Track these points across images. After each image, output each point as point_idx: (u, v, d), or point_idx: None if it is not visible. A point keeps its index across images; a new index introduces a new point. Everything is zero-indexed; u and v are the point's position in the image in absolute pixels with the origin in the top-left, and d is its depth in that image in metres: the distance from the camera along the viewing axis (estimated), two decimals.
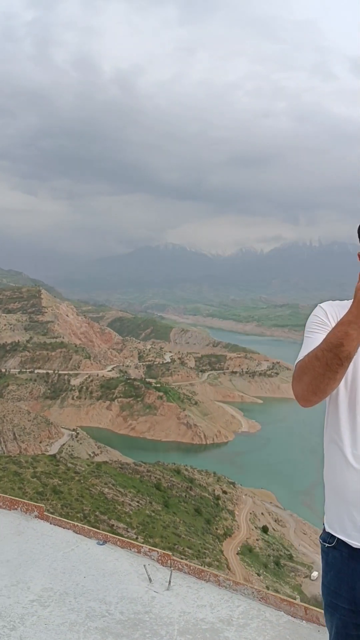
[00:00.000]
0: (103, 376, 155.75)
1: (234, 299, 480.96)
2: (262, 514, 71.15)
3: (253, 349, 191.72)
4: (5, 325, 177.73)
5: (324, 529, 1.96)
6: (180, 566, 3.92)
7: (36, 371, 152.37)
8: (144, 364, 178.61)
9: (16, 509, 4.75)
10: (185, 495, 66.70)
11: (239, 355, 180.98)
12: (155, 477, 71.85)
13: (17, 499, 4.85)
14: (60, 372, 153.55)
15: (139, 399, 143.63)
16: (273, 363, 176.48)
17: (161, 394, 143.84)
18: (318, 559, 61.67)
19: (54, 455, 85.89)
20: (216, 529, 59.89)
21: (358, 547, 1.82)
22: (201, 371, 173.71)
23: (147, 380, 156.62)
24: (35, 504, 4.83)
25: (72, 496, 57.67)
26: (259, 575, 50.66)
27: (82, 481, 68.44)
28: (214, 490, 72.49)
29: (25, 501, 4.83)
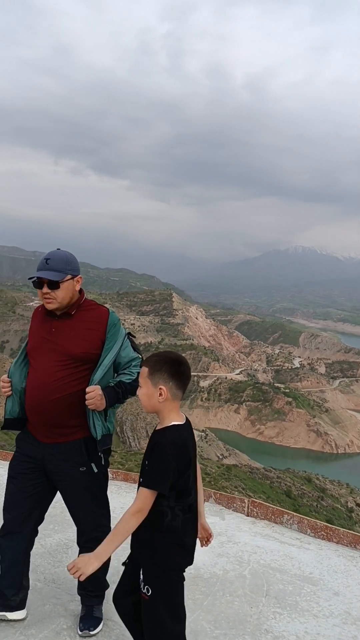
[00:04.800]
0: (231, 379, 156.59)
1: None
2: None
3: None
4: (139, 326, 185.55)
5: None
6: None
7: None
8: (272, 368, 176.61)
9: None
10: (317, 505, 64.94)
11: None
12: (285, 484, 70.85)
13: None
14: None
15: (267, 404, 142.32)
16: None
17: (290, 399, 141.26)
18: None
19: None
20: None
21: None
22: (332, 378, 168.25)
23: (276, 385, 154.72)
24: None
25: None
26: None
27: (212, 483, 69.34)
28: (346, 502, 69.74)
29: None
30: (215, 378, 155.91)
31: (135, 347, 2.67)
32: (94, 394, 2.46)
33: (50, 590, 2.98)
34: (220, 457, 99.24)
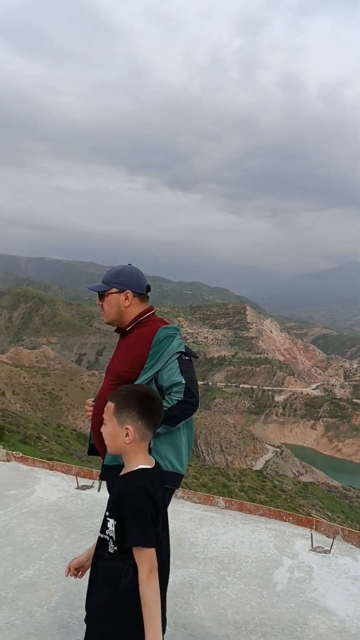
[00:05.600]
0: (307, 394, 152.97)
1: None
2: None
3: None
4: (212, 340, 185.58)
5: None
6: None
7: (241, 386, 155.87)
8: (350, 383, 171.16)
9: None
10: None
11: None
12: None
13: None
14: (264, 387, 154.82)
15: (345, 420, 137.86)
16: None
17: None
18: None
19: (260, 471, 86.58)
20: None
21: None
22: None
23: (354, 400, 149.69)
24: None
25: None
26: None
27: (288, 500, 67.50)
28: None
29: None
30: (291, 393, 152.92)
31: (184, 370, 2.22)
32: (89, 409, 2.26)
33: (183, 636, 2.69)
34: (297, 474, 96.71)
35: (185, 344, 2.32)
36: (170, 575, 3.15)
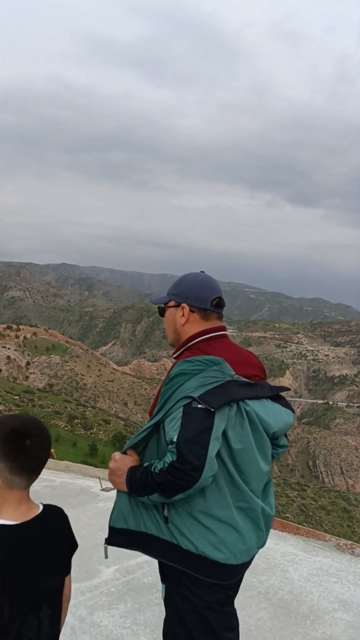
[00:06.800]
0: None
1: None
2: None
3: None
4: (333, 358, 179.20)
5: None
6: None
7: None
8: None
9: None
10: None
11: None
12: None
13: None
14: None
15: None
16: None
17: None
18: None
19: None
20: None
21: None
22: None
23: None
24: None
25: None
26: None
27: None
28: None
29: None
30: None
31: (185, 423, 1.48)
32: (110, 462, 1.70)
33: None
34: None
35: (221, 382, 1.56)
36: None
